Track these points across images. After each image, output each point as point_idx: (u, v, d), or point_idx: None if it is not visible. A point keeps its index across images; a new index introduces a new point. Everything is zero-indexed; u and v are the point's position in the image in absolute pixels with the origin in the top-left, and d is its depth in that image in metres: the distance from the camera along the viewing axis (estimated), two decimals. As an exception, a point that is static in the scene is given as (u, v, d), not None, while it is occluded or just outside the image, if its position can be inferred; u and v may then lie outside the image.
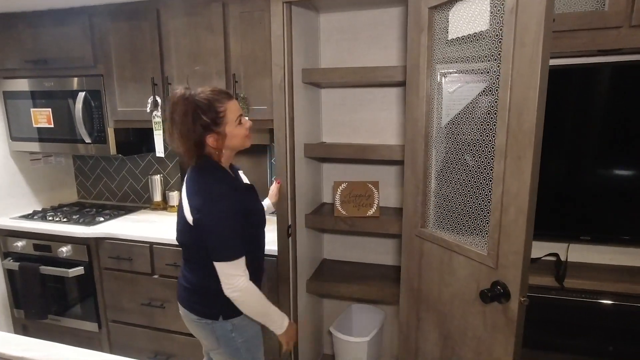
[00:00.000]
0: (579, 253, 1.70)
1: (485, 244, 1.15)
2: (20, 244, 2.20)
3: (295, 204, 1.75)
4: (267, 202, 1.68)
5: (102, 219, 2.21)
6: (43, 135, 2.25)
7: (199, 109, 1.16)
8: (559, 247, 1.71)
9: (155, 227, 2.08)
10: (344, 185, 1.91)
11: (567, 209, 1.61)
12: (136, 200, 2.63)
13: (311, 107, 1.93)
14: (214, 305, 1.27)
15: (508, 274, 1.07)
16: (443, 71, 1.31)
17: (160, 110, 1.93)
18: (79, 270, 2.06)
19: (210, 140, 1.20)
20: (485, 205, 1.15)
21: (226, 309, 1.26)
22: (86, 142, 2.14)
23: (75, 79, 2.11)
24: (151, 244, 1.94)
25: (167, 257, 1.92)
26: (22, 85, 2.23)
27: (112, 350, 2.17)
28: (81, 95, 2.08)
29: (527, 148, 0.99)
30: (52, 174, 2.61)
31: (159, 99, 1.93)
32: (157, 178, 2.43)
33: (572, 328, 1.55)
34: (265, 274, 1.52)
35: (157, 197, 2.44)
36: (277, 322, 1.29)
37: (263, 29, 1.74)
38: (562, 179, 1.61)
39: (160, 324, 2.01)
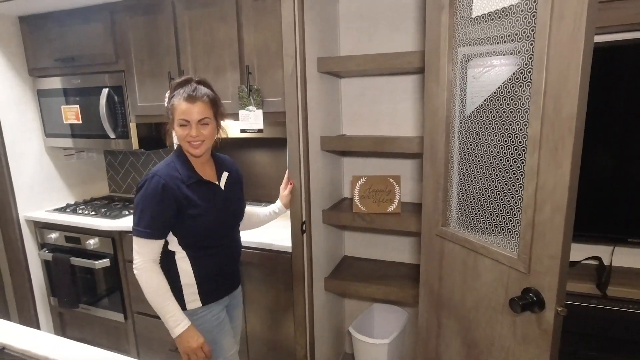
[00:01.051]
0: (625, 257, 1.51)
1: (516, 245, 1.03)
2: (53, 235, 2.30)
3: (310, 200, 1.68)
4: (277, 205, 1.64)
5: (127, 212, 2.26)
6: (75, 132, 2.33)
7: (169, 97, 1.28)
8: (602, 250, 1.53)
9: (176, 221, 2.10)
10: (363, 179, 1.82)
11: (613, 206, 1.43)
12: (162, 194, 2.68)
13: (329, 98, 1.84)
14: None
15: (542, 280, 0.95)
16: (466, 54, 1.18)
17: (176, 104, 1.92)
18: (105, 262, 2.12)
19: (170, 130, 1.31)
20: (516, 203, 1.02)
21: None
22: (110, 137, 2.19)
23: (100, 76, 2.15)
24: (170, 238, 1.95)
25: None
26: (53, 83, 2.31)
27: (137, 341, 2.22)
28: (105, 91, 2.12)
29: (566, 137, 0.86)
30: (84, 168, 2.71)
31: (175, 93, 1.92)
32: (180, 172, 2.44)
33: (614, 342, 1.37)
34: (233, 275, 1.46)
35: (180, 191, 2.46)
36: (169, 323, 1.23)
37: (276, 17, 1.67)
38: (607, 173, 1.42)
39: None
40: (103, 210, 2.31)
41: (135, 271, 1.22)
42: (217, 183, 1.35)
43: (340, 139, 1.78)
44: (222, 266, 1.36)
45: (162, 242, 1.25)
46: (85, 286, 2.27)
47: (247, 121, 1.76)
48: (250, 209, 1.61)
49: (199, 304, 1.31)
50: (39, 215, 2.32)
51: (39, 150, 2.44)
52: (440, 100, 1.22)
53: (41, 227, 2.34)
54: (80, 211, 2.32)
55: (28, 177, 2.37)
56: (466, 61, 1.20)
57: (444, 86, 1.20)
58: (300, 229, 1.64)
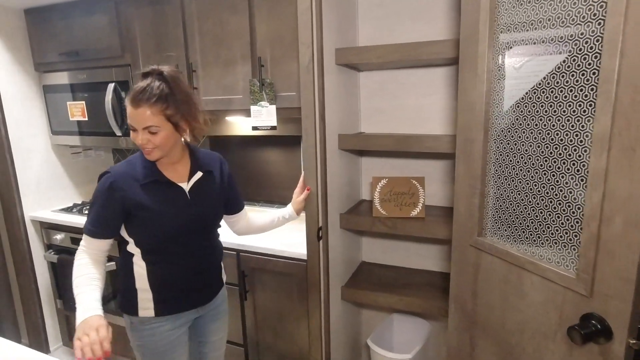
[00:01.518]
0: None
1: (573, 262, 0.88)
2: (59, 236, 2.22)
3: (327, 203, 1.55)
4: (288, 210, 1.50)
5: (134, 213, 2.16)
6: (82, 129, 2.24)
7: None
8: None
9: (184, 223, 1.99)
10: (383, 181, 1.68)
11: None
12: (171, 194, 2.58)
13: (348, 93, 1.71)
14: (121, 294, 1.25)
15: (609, 306, 0.80)
16: (510, 40, 1.03)
17: (184, 100, 1.80)
18: (111, 265, 2.02)
19: None
20: (573, 213, 0.87)
21: (126, 302, 1.22)
22: (117, 134, 2.09)
23: (105, 70, 2.05)
24: (178, 242, 1.84)
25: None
26: (59, 78, 2.22)
27: (144, 347, 2.13)
28: (111, 86, 2.02)
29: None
30: (92, 167, 2.63)
31: (183, 88, 1.81)
32: (189, 172, 2.34)
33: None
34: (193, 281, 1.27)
35: (189, 192, 2.36)
36: (77, 312, 1.05)
37: (291, 4, 1.53)
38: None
39: (189, 325, 1.92)
40: (109, 210, 2.21)
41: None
42: (179, 184, 1.20)
43: (360, 137, 1.64)
44: (184, 277, 1.22)
45: (105, 241, 1.16)
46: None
47: (259, 118, 1.63)
48: (253, 214, 1.49)
49: (151, 313, 1.19)
50: (45, 215, 2.24)
51: (45, 148, 2.36)
52: (478, 92, 1.07)
53: (47, 227, 2.26)
54: (87, 212, 2.23)
55: (34, 175, 2.30)
56: (509, 48, 1.04)
57: (482, 77, 1.05)
58: (317, 235, 1.50)
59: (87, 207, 2.26)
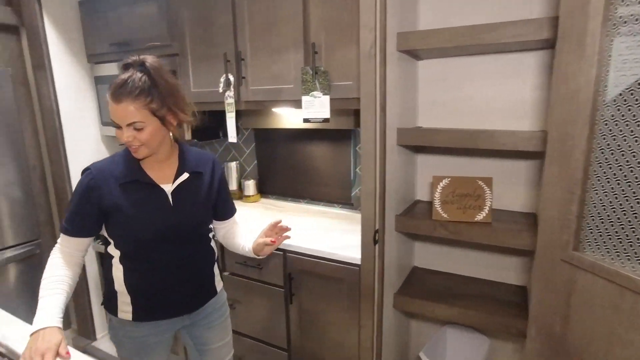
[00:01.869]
0: None
1: None
2: (107, 227, 2.23)
3: (385, 204, 1.41)
4: (248, 246, 1.33)
5: (178, 206, 2.13)
6: (129, 120, 2.23)
7: None
8: None
9: (228, 219, 1.92)
10: (445, 181, 1.51)
11: None
12: (214, 188, 2.54)
13: (406, 83, 1.55)
14: (104, 292, 1.21)
15: None
16: (627, 15, 0.84)
17: (233, 89, 1.72)
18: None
19: None
20: None
21: (107, 300, 1.19)
22: (163, 126, 2.05)
23: (154, 61, 2.02)
24: (222, 238, 1.77)
25: (238, 254, 1.73)
26: (109, 69, 2.22)
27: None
28: (158, 77, 1.98)
29: None
30: (139, 158, 2.64)
31: (231, 78, 1.72)
32: (234, 165, 2.27)
33: None
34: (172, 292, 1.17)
35: (233, 186, 2.30)
36: (36, 315, 0.98)
37: (350, -16, 1.40)
38: None
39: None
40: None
41: None
42: (162, 186, 1.10)
43: (422, 131, 1.48)
44: (162, 286, 1.13)
45: (81, 240, 1.09)
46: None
47: (311, 109, 1.51)
48: (239, 230, 1.38)
49: (129, 317, 1.14)
50: (94, 206, 2.26)
51: (96, 139, 2.39)
52: (585, 79, 0.89)
53: (95, 217, 2.28)
54: (132, 203, 2.22)
55: (84, 165, 2.32)
56: (622, 25, 0.85)
57: (592, 60, 0.87)
58: (373, 239, 1.37)
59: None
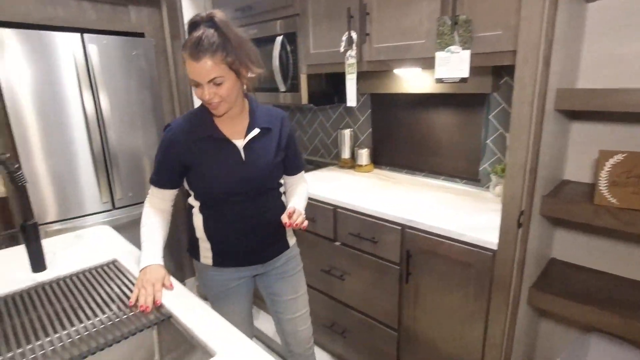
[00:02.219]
0: None
1: None
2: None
3: (535, 182, 1.16)
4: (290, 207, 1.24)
5: (292, 172, 2.14)
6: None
7: None
8: None
9: (342, 188, 1.85)
10: (618, 157, 1.18)
11: None
12: (325, 156, 2.50)
13: (571, 31, 1.23)
14: (188, 239, 1.30)
15: None
16: None
17: (355, 48, 1.59)
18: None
19: None
20: None
21: (191, 247, 1.29)
22: (281, 90, 2.05)
23: (274, 23, 2.00)
24: (335, 207, 1.71)
25: (351, 225, 1.66)
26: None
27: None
28: (279, 40, 1.96)
29: None
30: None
31: (354, 35, 1.59)
32: (347, 133, 2.19)
33: None
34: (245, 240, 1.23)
35: (346, 154, 2.22)
36: (141, 258, 1.12)
37: None
38: None
39: (339, 295, 1.82)
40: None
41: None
42: (235, 142, 1.14)
43: (590, 93, 1.16)
44: (237, 236, 1.21)
45: (168, 191, 1.19)
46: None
47: (447, 66, 1.31)
48: (298, 190, 1.33)
49: (210, 262, 1.24)
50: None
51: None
52: None
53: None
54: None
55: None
56: None
57: None
58: (517, 221, 1.15)
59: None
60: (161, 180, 1.18)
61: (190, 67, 1.01)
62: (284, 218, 1.12)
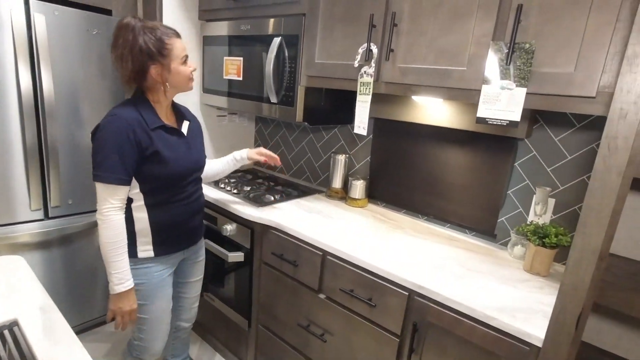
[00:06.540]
0: None
1: None
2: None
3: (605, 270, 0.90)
4: (242, 153, 1.58)
5: (272, 198, 1.80)
6: (232, 89, 1.95)
7: (145, 36, 1.13)
8: None
9: (333, 227, 1.54)
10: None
11: None
12: (310, 179, 2.19)
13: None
14: None
15: None
16: None
17: (373, 65, 1.30)
18: (238, 256, 1.70)
19: (153, 71, 1.16)
20: None
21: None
22: (272, 101, 1.72)
23: (273, 21, 1.67)
24: (325, 253, 1.39)
25: (343, 278, 1.34)
26: (220, 29, 1.94)
27: (256, 357, 1.80)
28: (276, 41, 1.64)
29: None
30: (233, 133, 2.39)
31: (374, 49, 1.30)
32: (342, 159, 1.88)
33: None
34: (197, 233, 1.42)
35: (337, 183, 1.91)
36: (113, 279, 1.17)
37: None
38: None
39: (316, 357, 1.49)
40: (246, 188, 1.91)
41: (98, 217, 1.15)
42: (180, 130, 1.28)
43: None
44: (180, 219, 1.30)
45: (127, 188, 1.17)
46: (213, 273, 1.92)
47: (493, 104, 1.04)
48: (208, 160, 1.54)
49: (151, 254, 1.27)
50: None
51: (196, 106, 2.16)
52: None
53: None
54: (222, 185, 1.96)
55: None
56: None
57: None
58: (577, 319, 0.88)
59: (225, 181, 1.99)
60: (122, 174, 1.13)
61: (179, 44, 1.18)
62: (259, 157, 1.56)
